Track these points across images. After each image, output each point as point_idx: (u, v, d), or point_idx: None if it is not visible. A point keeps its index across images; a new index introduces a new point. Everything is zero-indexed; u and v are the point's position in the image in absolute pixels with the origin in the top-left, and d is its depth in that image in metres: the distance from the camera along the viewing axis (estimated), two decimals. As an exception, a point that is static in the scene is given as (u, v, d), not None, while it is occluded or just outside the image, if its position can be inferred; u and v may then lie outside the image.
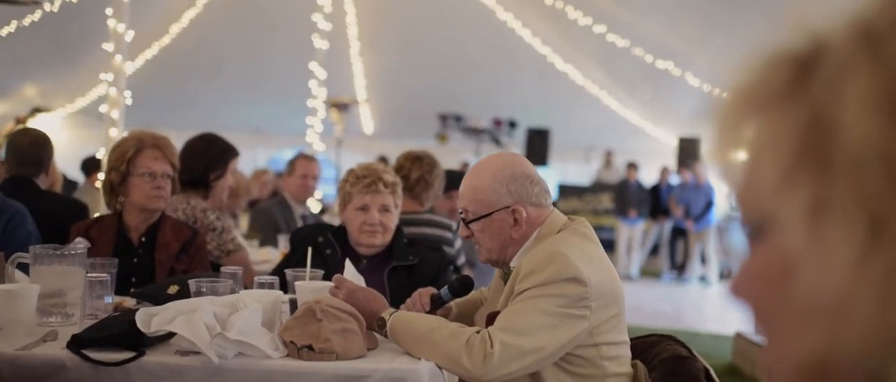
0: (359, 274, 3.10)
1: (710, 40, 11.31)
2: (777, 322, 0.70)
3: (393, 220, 3.73)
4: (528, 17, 13.30)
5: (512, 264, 2.81)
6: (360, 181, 3.69)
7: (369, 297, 2.83)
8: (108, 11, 6.55)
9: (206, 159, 4.61)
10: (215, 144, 4.72)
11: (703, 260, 14.57)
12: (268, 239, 5.71)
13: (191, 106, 14.85)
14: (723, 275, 14.70)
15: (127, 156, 3.75)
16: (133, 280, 3.62)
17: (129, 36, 6.64)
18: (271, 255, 5.33)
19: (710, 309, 11.89)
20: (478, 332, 2.53)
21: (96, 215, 4.86)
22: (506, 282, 2.78)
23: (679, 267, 14.70)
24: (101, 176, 6.31)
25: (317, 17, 11.29)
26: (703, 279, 14.41)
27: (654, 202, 15.13)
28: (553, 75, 14.44)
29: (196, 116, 14.45)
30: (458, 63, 14.58)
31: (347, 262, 3.19)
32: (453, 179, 5.38)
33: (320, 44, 11.41)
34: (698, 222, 14.24)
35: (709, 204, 14.23)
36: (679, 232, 14.82)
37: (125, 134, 6.63)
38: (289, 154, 17.95)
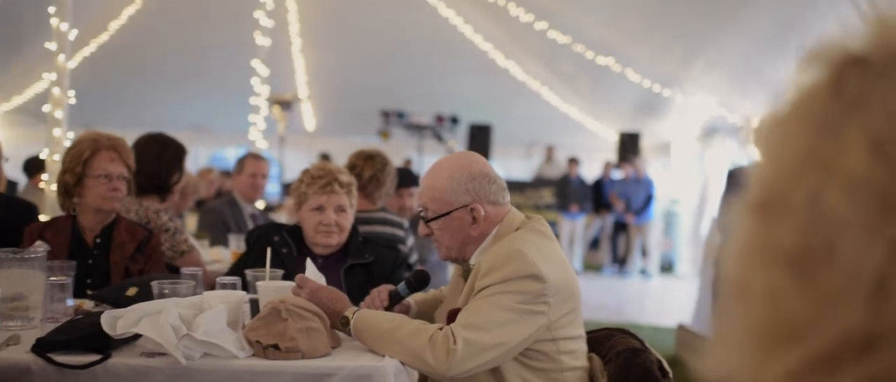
0: (320, 273, 3.14)
1: (649, 36, 11.48)
2: None
3: (348, 220, 3.77)
4: (470, 14, 13.36)
5: (471, 262, 2.88)
6: (316, 181, 3.72)
7: (332, 296, 2.88)
8: (51, 10, 6.44)
9: (163, 163, 4.61)
10: (169, 146, 4.71)
11: (644, 253, 14.81)
12: (218, 239, 5.70)
13: (129, 103, 14.68)
14: (663, 268, 14.97)
15: (83, 158, 3.74)
16: (88, 281, 3.61)
17: (73, 34, 6.55)
18: (222, 255, 5.33)
19: (650, 302, 12.10)
20: (441, 329, 2.59)
21: (42, 217, 4.83)
22: (466, 280, 2.85)
23: (620, 261, 14.92)
24: (45, 176, 6.25)
25: (259, 14, 11.19)
26: (643, 272, 14.64)
27: (596, 196, 15.34)
28: (495, 71, 14.52)
29: (135, 114, 14.30)
30: (400, 59, 14.59)
31: (308, 261, 3.23)
32: (403, 177, 5.43)
33: (262, 41, 11.33)
34: (639, 216, 14.48)
35: (649, 198, 14.47)
36: (620, 227, 15.05)
37: (70, 134, 6.59)
38: (230, 151, 17.87)
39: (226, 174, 12.04)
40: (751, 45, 10.06)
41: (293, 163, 15.63)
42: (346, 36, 14.06)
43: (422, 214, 2.93)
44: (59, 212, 6.09)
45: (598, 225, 15.48)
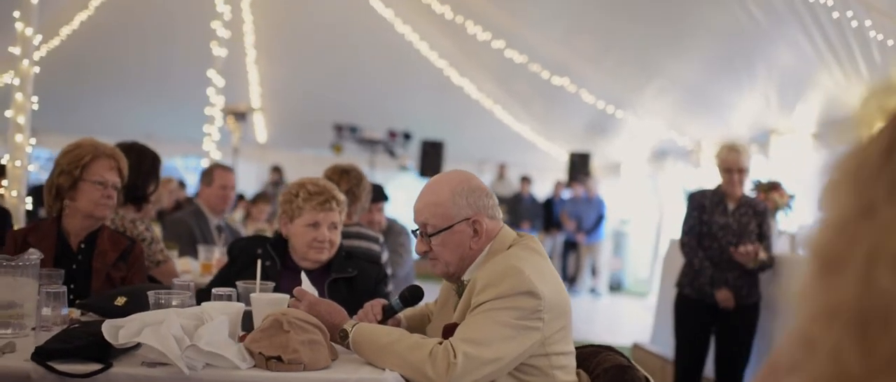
0: (314, 287, 3.16)
1: (603, 58, 11.64)
2: None
3: (339, 236, 3.81)
4: (427, 31, 13.42)
5: (464, 278, 2.93)
6: (314, 198, 3.73)
7: (331, 309, 2.91)
8: (16, 14, 6.38)
9: (141, 173, 4.60)
10: (146, 156, 4.70)
11: (594, 272, 14.97)
12: (185, 250, 5.67)
13: (81, 110, 14.46)
14: (612, 287, 15.14)
15: (82, 162, 3.78)
16: (71, 286, 3.59)
17: (37, 40, 6.49)
18: (191, 266, 5.31)
19: (600, 321, 12.23)
20: (440, 343, 2.63)
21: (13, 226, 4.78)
22: (459, 295, 2.89)
23: (570, 280, 15.07)
24: (5, 183, 6.16)
25: (216, 25, 11.16)
26: (593, 291, 14.80)
27: (547, 215, 15.48)
28: (449, 88, 14.59)
29: (85, 120, 14.10)
30: (355, 73, 14.58)
31: (303, 275, 3.25)
32: (376, 192, 5.47)
33: (219, 51, 11.28)
34: (589, 235, 14.64)
35: (600, 218, 14.64)
36: (570, 246, 15.20)
37: (32, 141, 6.51)
38: (179, 162, 17.68)
39: (181, 185, 11.95)
40: (701, 69, 10.26)
41: (245, 175, 15.52)
42: (301, 48, 14.02)
43: (419, 231, 2.97)
44: (22, 220, 6.04)
45: (549, 244, 15.64)
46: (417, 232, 2.99)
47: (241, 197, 14.08)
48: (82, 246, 3.78)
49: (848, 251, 0.77)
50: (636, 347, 7.88)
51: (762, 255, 5.68)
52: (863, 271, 0.75)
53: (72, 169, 3.74)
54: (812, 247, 0.83)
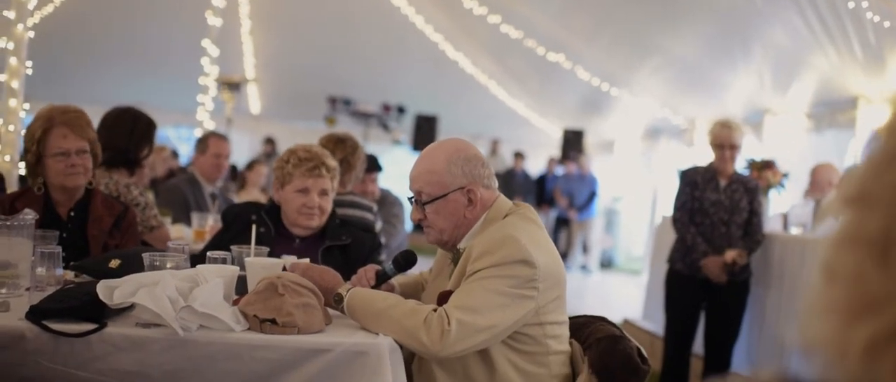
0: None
1: (599, 35, 11.62)
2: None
3: (330, 203, 3.80)
4: (422, 5, 13.37)
5: (460, 246, 2.93)
6: (303, 164, 3.72)
7: (325, 274, 2.92)
8: (11, -23, 6.32)
9: (135, 137, 4.58)
10: (140, 120, 4.69)
11: (585, 249, 15.01)
12: (179, 217, 5.66)
13: (74, 78, 14.38)
14: (603, 265, 15.19)
15: (37, 137, 3.68)
16: (63, 254, 3.57)
17: (32, 4, 6.44)
18: (184, 233, 5.30)
19: (591, 297, 12.26)
20: (434, 310, 2.64)
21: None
22: (454, 264, 2.91)
23: (561, 256, 15.07)
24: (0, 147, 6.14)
25: (211, -6, 11.10)
26: (584, 268, 14.84)
27: (539, 191, 15.50)
28: (443, 63, 14.54)
29: (79, 88, 14.03)
30: (349, 46, 14.52)
31: (285, 257, 3.25)
32: (370, 163, 5.47)
33: (214, 21, 11.22)
34: (581, 212, 14.67)
35: (592, 195, 14.67)
36: (562, 222, 15.23)
37: (26, 106, 6.48)
38: (171, 132, 17.63)
39: (173, 154, 11.92)
40: (697, 48, 10.25)
41: (238, 146, 15.49)
42: (296, 20, 13.96)
43: (414, 199, 2.98)
44: (15, 183, 6.02)
45: (542, 221, 15.65)
46: (412, 199, 3.00)
47: (233, 168, 14.07)
48: (72, 214, 3.75)
49: (880, 189, 0.81)
50: (626, 323, 7.92)
51: (732, 259, 5.70)
52: (892, 206, 0.79)
53: (31, 146, 3.67)
54: (845, 186, 0.87)
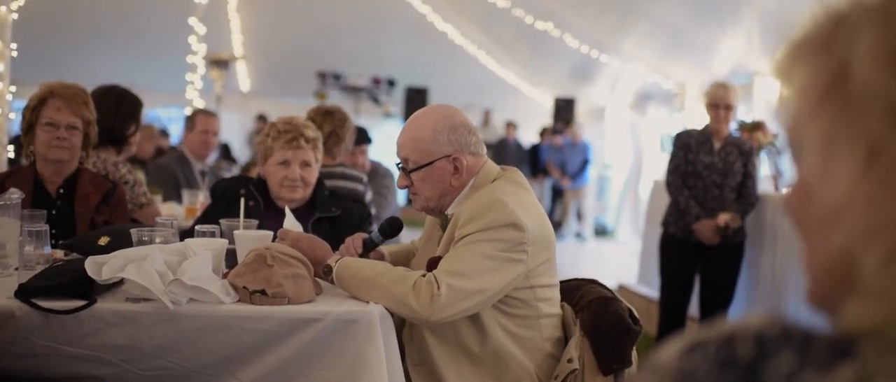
0: (298, 222, 3.16)
1: (588, 2, 11.57)
2: (808, 230, 0.86)
3: (313, 175, 3.79)
4: (409, -23, 13.33)
5: (448, 212, 2.93)
6: (282, 136, 3.72)
7: (314, 245, 2.92)
8: (-7, -41, 6.29)
9: (121, 114, 4.57)
10: (126, 98, 4.68)
11: (579, 217, 15.02)
12: (169, 195, 5.66)
13: (61, 59, 14.27)
14: (596, 232, 15.20)
15: (32, 105, 3.76)
16: (52, 232, 3.57)
17: (15, -15, 6.41)
18: (175, 210, 5.30)
19: (587, 265, 12.29)
20: (423, 275, 2.64)
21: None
22: (443, 230, 2.90)
23: (555, 225, 15.11)
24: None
25: (196, -29, 11.04)
26: (578, 235, 14.87)
27: (533, 161, 15.49)
28: (432, 34, 14.47)
29: (65, 70, 13.90)
30: (337, 20, 14.44)
31: (287, 209, 3.25)
32: (357, 135, 5.46)
33: (200, -1, 11.17)
34: (574, 180, 14.67)
35: (585, 163, 14.67)
36: (557, 193, 15.24)
37: (12, 89, 6.45)
38: (162, 111, 17.55)
39: (163, 133, 11.87)
40: (685, 11, 10.21)
41: (229, 124, 15.43)
42: (283, -5, 13.89)
43: (401, 166, 2.97)
44: (3, 166, 6.01)
45: (536, 190, 15.66)
46: (399, 166, 2.99)
47: (225, 147, 14.04)
48: (61, 191, 3.75)
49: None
50: (622, 288, 7.94)
51: (725, 222, 5.71)
52: None
53: (26, 114, 3.74)
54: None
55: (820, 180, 0.82)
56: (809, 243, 0.87)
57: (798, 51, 0.86)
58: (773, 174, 6.63)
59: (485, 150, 3.02)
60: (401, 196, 9.62)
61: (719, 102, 5.81)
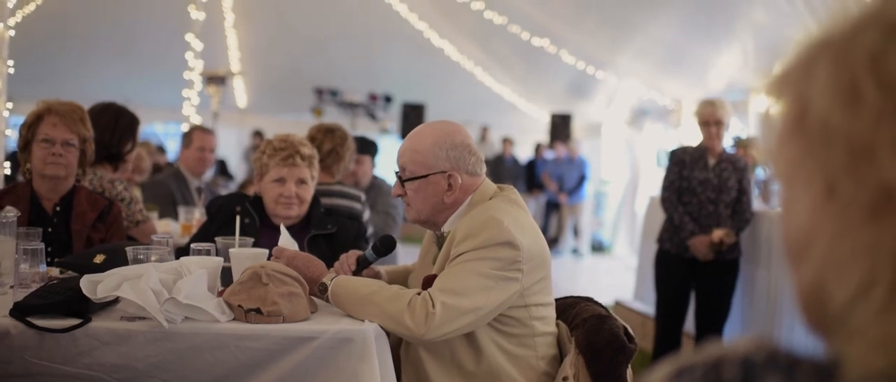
0: (293, 240, 3.17)
1: (584, 19, 11.60)
2: (788, 258, 0.89)
3: (309, 192, 3.80)
4: (406, -8, 13.36)
5: (445, 229, 2.94)
6: (278, 153, 3.74)
7: (309, 263, 2.92)
8: (-11, -24, 6.29)
9: (118, 132, 4.58)
10: (123, 115, 4.69)
11: (576, 232, 15.03)
12: (166, 212, 5.66)
13: (58, 75, 14.29)
14: (593, 248, 15.20)
15: (29, 122, 3.78)
16: (48, 249, 3.57)
17: (12, 2, 6.41)
18: (171, 227, 5.30)
19: (583, 281, 12.29)
20: (418, 294, 2.65)
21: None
22: (439, 247, 2.91)
23: (552, 241, 15.13)
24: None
25: (194, -12, 11.05)
26: (575, 251, 14.86)
27: (529, 176, 15.51)
28: (429, 51, 14.52)
29: (62, 86, 13.91)
30: (334, 37, 14.49)
31: (282, 227, 3.26)
32: (358, 145, 5.48)
33: (197, 15, 11.18)
34: (571, 196, 14.68)
35: (582, 179, 14.68)
36: (553, 206, 15.25)
37: (9, 105, 6.45)
38: (159, 127, 17.57)
39: (160, 150, 11.87)
40: (680, 28, 10.23)
41: (226, 140, 15.45)
42: (279, 11, 13.91)
43: (398, 174, 2.99)
44: (0, 181, 6.00)
45: (532, 206, 15.68)
46: (397, 174, 3.01)
47: (222, 163, 14.04)
48: (57, 209, 3.76)
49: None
50: (618, 304, 7.94)
51: (719, 238, 5.71)
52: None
53: (23, 131, 3.76)
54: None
55: (786, 211, 0.85)
56: (792, 271, 0.89)
57: (774, 83, 0.89)
58: (762, 192, 6.64)
59: (484, 170, 3.03)
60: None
61: (709, 119, 5.84)
